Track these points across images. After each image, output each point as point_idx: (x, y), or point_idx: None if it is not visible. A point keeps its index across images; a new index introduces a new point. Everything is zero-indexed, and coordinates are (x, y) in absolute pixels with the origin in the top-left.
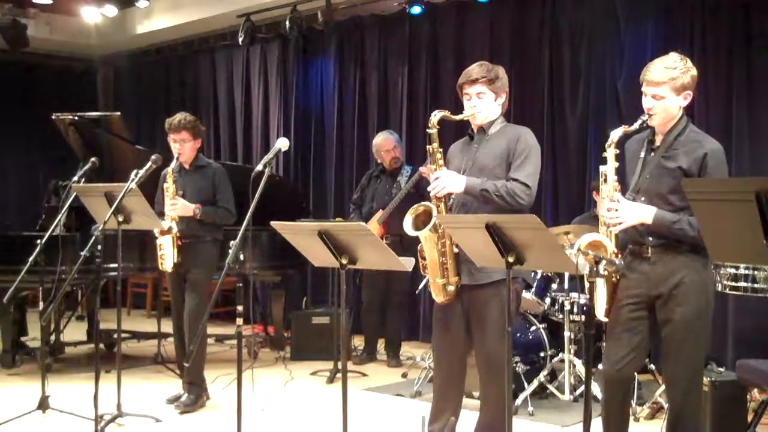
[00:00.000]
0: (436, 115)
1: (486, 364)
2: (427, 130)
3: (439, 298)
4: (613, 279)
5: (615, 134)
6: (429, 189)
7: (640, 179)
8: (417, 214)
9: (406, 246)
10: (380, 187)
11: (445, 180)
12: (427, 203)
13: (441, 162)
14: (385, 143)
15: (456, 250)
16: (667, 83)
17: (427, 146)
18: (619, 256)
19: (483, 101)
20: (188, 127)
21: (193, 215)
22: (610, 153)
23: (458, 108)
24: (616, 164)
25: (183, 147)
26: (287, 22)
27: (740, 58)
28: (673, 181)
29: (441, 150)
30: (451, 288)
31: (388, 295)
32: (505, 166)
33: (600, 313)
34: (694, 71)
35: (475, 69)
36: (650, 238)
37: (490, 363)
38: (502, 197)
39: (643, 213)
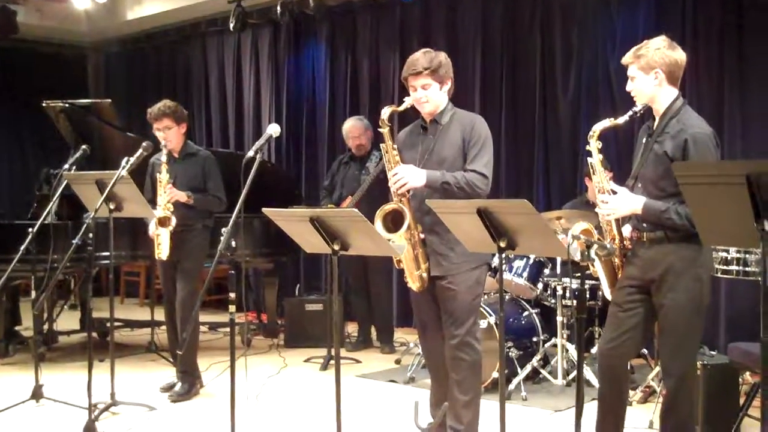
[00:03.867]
0: (385, 113)
1: (450, 351)
2: (379, 130)
3: (415, 284)
4: (615, 261)
5: (598, 126)
6: (390, 186)
7: (637, 165)
8: (385, 215)
9: None
10: (349, 173)
11: (407, 175)
12: (392, 204)
13: (397, 158)
14: (352, 130)
15: (422, 236)
16: (633, 63)
17: (380, 145)
18: (616, 240)
19: (429, 92)
20: (169, 113)
21: (187, 200)
22: (593, 145)
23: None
24: (600, 156)
25: (168, 134)
26: (278, 8)
27: (732, 41)
28: (661, 166)
29: (395, 147)
30: (425, 275)
31: (369, 283)
32: (462, 156)
33: (606, 293)
34: (669, 51)
35: (419, 60)
36: (644, 225)
37: (453, 350)
38: (462, 189)
39: (634, 203)
